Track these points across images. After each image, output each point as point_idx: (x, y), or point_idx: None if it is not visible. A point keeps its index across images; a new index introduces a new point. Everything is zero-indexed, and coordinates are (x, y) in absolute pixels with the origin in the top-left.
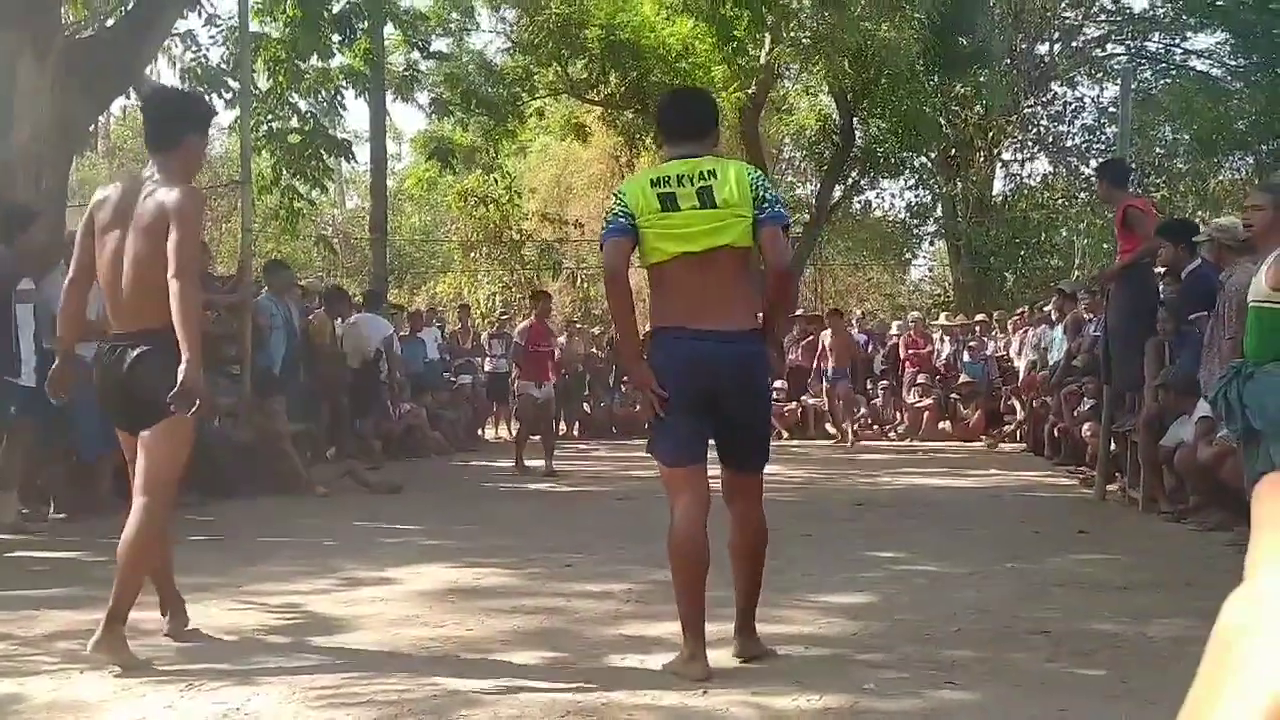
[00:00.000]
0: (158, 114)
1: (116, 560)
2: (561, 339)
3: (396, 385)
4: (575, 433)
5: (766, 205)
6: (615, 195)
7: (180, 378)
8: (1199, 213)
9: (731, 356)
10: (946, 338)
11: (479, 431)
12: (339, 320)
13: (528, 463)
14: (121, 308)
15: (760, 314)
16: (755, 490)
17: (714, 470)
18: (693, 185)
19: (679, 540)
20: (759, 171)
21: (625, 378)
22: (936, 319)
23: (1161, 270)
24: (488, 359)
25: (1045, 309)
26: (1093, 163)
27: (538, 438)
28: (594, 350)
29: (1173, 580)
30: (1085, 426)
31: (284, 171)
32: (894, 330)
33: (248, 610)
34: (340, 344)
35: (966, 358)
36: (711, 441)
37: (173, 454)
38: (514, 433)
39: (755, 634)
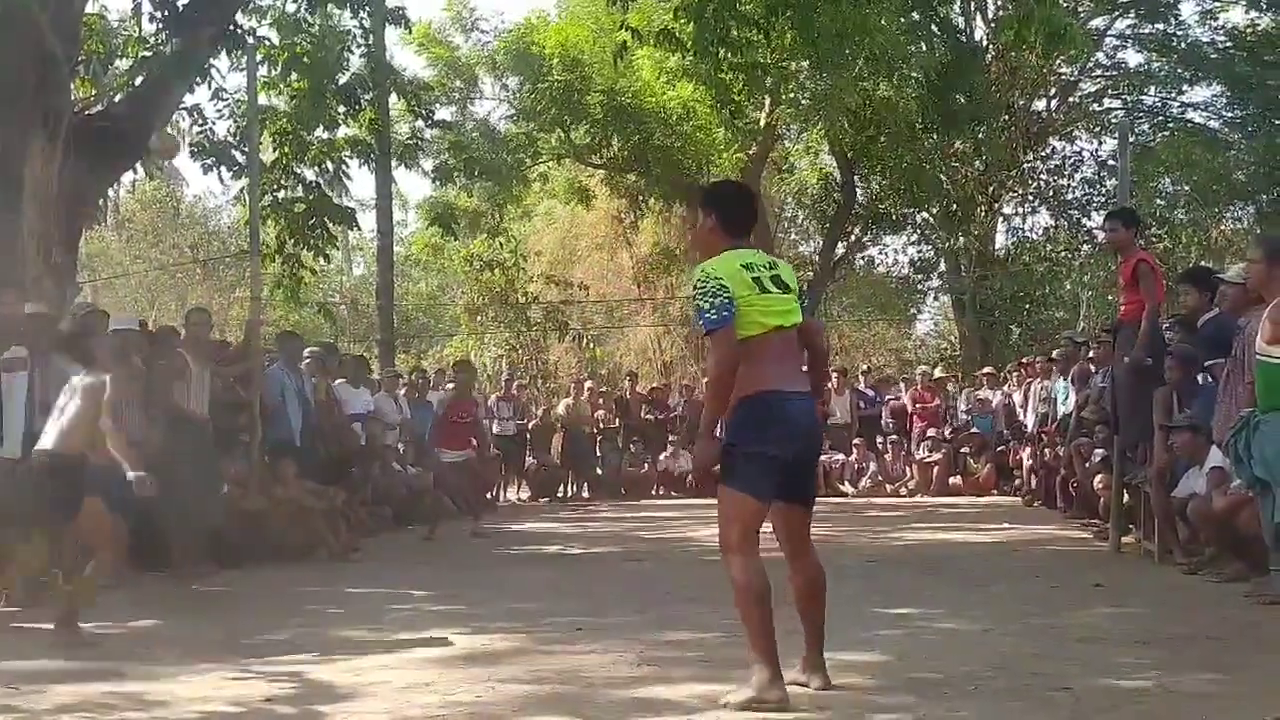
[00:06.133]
0: None
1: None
2: (569, 399)
3: (378, 451)
4: (585, 494)
5: (802, 296)
6: (713, 279)
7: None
8: (1203, 262)
9: (809, 412)
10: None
11: (487, 495)
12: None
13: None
14: None
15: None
16: (809, 528)
17: None
18: (766, 272)
19: (753, 588)
20: None
21: (635, 438)
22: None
23: (1170, 320)
24: (495, 422)
25: (1054, 356)
26: (1094, 215)
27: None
28: (601, 411)
29: (1193, 633)
30: (1097, 478)
31: (288, 240)
32: (900, 386)
33: (254, 680)
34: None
35: (963, 406)
36: None
37: None
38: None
39: (824, 665)
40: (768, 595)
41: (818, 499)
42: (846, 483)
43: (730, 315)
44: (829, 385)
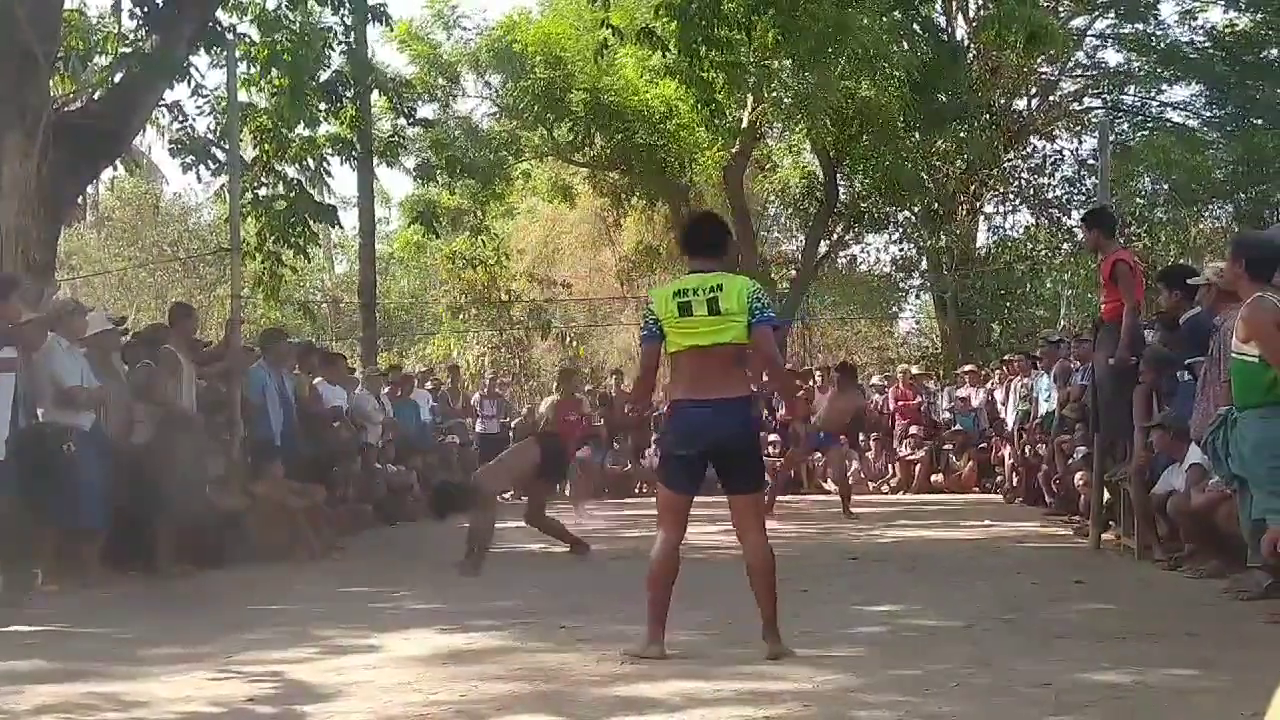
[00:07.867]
0: None
1: None
2: (552, 398)
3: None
4: (567, 493)
5: (758, 311)
6: (647, 304)
7: None
8: (1181, 260)
9: (720, 416)
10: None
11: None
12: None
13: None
14: None
15: (753, 386)
16: (755, 515)
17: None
18: (704, 296)
19: (659, 558)
20: (756, 285)
21: (618, 437)
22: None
23: (1153, 318)
24: (479, 420)
25: (1037, 354)
26: (1074, 214)
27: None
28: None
29: (1171, 629)
30: (1078, 475)
31: (268, 238)
32: (883, 383)
33: (234, 680)
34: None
35: (945, 404)
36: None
37: None
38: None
39: (778, 637)
40: (665, 572)
41: (803, 496)
42: (829, 480)
43: (648, 334)
44: (801, 387)
